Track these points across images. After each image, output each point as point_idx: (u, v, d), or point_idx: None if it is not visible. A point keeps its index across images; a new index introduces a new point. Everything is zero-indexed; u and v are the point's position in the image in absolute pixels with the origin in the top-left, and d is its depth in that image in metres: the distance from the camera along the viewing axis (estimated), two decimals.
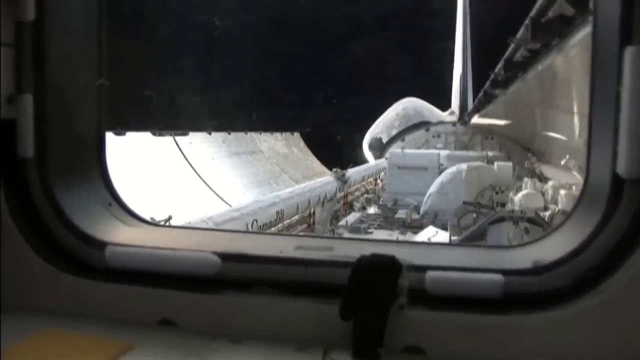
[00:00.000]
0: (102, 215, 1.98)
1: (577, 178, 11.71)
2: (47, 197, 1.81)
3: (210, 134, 18.77)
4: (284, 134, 25.84)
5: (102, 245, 1.77)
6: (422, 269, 1.52)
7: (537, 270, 1.53)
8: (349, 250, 1.69)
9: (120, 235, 1.91)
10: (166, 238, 2.00)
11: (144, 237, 1.95)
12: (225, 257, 1.67)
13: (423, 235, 6.16)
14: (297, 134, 27.39)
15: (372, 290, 1.46)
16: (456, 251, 1.87)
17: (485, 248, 2.06)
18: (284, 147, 24.98)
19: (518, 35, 8.87)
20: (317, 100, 39.55)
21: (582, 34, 6.38)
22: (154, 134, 14.85)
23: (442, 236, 6.01)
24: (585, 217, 1.57)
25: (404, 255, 1.55)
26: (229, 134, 20.37)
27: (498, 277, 1.49)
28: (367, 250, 1.60)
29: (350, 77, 43.45)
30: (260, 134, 23.17)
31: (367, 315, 1.45)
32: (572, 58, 8.46)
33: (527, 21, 7.86)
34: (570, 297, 1.44)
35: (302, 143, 27.45)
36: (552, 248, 1.62)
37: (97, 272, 1.74)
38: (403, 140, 31.90)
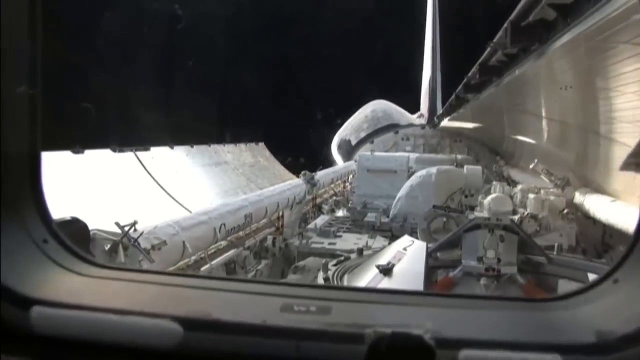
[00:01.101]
0: (34, 256, 1.54)
1: (546, 182, 11.80)
2: None
3: (172, 148, 18.35)
4: (248, 144, 25.52)
5: (27, 303, 1.32)
6: (455, 344, 1.16)
7: (604, 347, 1.15)
8: (352, 312, 1.33)
9: (55, 284, 1.48)
10: (114, 288, 1.55)
11: (86, 286, 1.51)
12: (189, 324, 1.26)
13: (398, 245, 6.00)
14: (261, 144, 27.11)
15: None
16: (492, 312, 1.42)
17: (525, 304, 1.51)
18: (249, 157, 24.69)
19: (495, 39, 8.85)
20: (280, 108, 39.21)
21: (565, 39, 6.36)
22: (114, 150, 14.41)
23: (419, 245, 5.85)
24: None
25: (426, 317, 1.22)
26: (192, 147, 20.00)
27: (554, 358, 1.13)
28: (374, 312, 1.28)
29: (314, 82, 43.16)
30: (224, 145, 22.82)
31: None
32: (550, 63, 8.47)
33: (506, 25, 7.81)
34: None
35: (267, 152, 27.21)
36: (612, 309, 1.25)
37: (18, 342, 1.29)
38: (372, 142, 31.87)
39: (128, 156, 15.05)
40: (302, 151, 28.97)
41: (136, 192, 13.52)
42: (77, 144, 12.34)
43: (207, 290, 1.59)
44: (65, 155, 11.97)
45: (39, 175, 1.62)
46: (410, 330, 1.14)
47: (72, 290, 1.47)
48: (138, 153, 15.44)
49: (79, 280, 1.54)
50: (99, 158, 13.73)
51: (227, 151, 22.84)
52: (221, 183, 19.61)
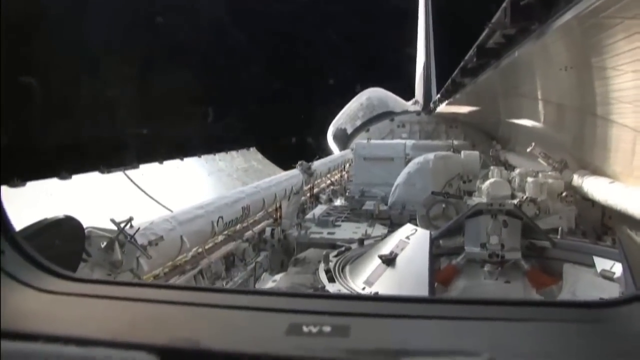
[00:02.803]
0: None
1: (543, 165, 11.72)
2: None
3: (161, 163, 18.13)
4: (239, 151, 25.34)
5: None
6: None
7: None
8: (377, 333, 1.08)
9: (9, 306, 1.22)
10: (82, 308, 1.31)
11: (47, 307, 1.27)
12: (171, 356, 1.02)
13: (401, 234, 5.90)
14: (253, 149, 26.98)
15: None
16: (557, 325, 1.15)
17: (575, 312, 1.24)
18: (242, 162, 24.56)
19: (494, 19, 8.68)
20: (270, 107, 38.76)
21: (567, 16, 6.23)
22: (102, 172, 14.24)
23: (422, 234, 5.76)
24: None
25: (478, 337, 1.01)
26: (182, 160, 19.79)
27: None
28: (409, 331, 1.04)
29: (305, 72, 42.66)
30: (215, 154, 22.64)
31: None
32: (550, 44, 8.33)
33: (505, 4, 7.66)
34: None
35: (259, 156, 27.09)
36: None
37: None
38: (367, 130, 31.77)
39: (117, 176, 14.86)
40: (297, 146, 28.88)
41: (132, 209, 13.28)
42: (64, 170, 12.23)
43: (195, 307, 1.33)
44: (53, 182, 11.82)
45: None
46: None
47: (29, 313, 1.24)
48: (127, 172, 15.23)
49: (40, 299, 1.31)
50: (87, 181, 13.52)
51: (219, 159, 22.67)
52: (217, 191, 19.49)
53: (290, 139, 31.62)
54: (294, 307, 1.23)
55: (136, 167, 15.85)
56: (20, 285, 1.34)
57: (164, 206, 14.29)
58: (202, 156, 21.44)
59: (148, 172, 16.23)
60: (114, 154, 18.07)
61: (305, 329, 1.10)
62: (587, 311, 1.28)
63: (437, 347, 0.94)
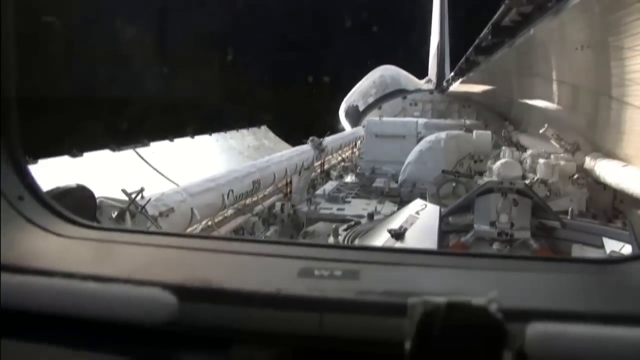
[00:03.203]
0: (6, 215, 1.33)
1: (556, 147, 11.65)
2: None
3: (172, 140, 18.08)
4: (250, 129, 25.28)
5: None
6: (522, 316, 0.92)
7: None
8: (385, 277, 1.11)
9: (29, 247, 1.28)
10: (98, 251, 1.35)
11: (65, 249, 1.31)
12: (185, 293, 1.04)
13: (411, 209, 5.92)
14: (263, 127, 26.89)
15: None
16: (559, 276, 1.16)
17: (597, 267, 1.22)
18: (253, 140, 24.53)
19: None
20: (283, 84, 38.46)
21: None
22: (112, 149, 14.23)
23: (432, 209, 5.77)
24: None
25: (483, 283, 1.02)
26: (192, 137, 19.76)
27: None
28: (414, 276, 1.06)
29: (315, 51, 42.25)
30: (226, 132, 22.61)
31: None
32: (566, 22, 8.22)
33: None
34: None
35: (270, 134, 27.01)
36: None
37: None
38: (380, 108, 31.63)
39: (128, 154, 14.87)
40: (308, 125, 28.80)
41: (143, 186, 13.29)
42: (75, 147, 12.30)
43: (208, 252, 1.37)
44: (64, 160, 11.89)
45: (11, 124, 1.39)
46: (469, 299, 0.88)
47: (48, 254, 1.29)
48: (138, 149, 15.23)
49: (58, 242, 1.35)
50: (98, 159, 13.56)
51: (230, 138, 22.66)
52: (228, 168, 19.47)
53: (302, 117, 31.51)
54: (305, 255, 1.26)
55: (147, 145, 15.88)
56: (39, 230, 1.37)
57: (175, 183, 14.38)
58: (213, 134, 21.42)
59: (159, 150, 16.26)
60: (124, 132, 18.13)
61: (316, 272, 1.13)
62: (593, 266, 1.29)
63: (445, 290, 0.96)
